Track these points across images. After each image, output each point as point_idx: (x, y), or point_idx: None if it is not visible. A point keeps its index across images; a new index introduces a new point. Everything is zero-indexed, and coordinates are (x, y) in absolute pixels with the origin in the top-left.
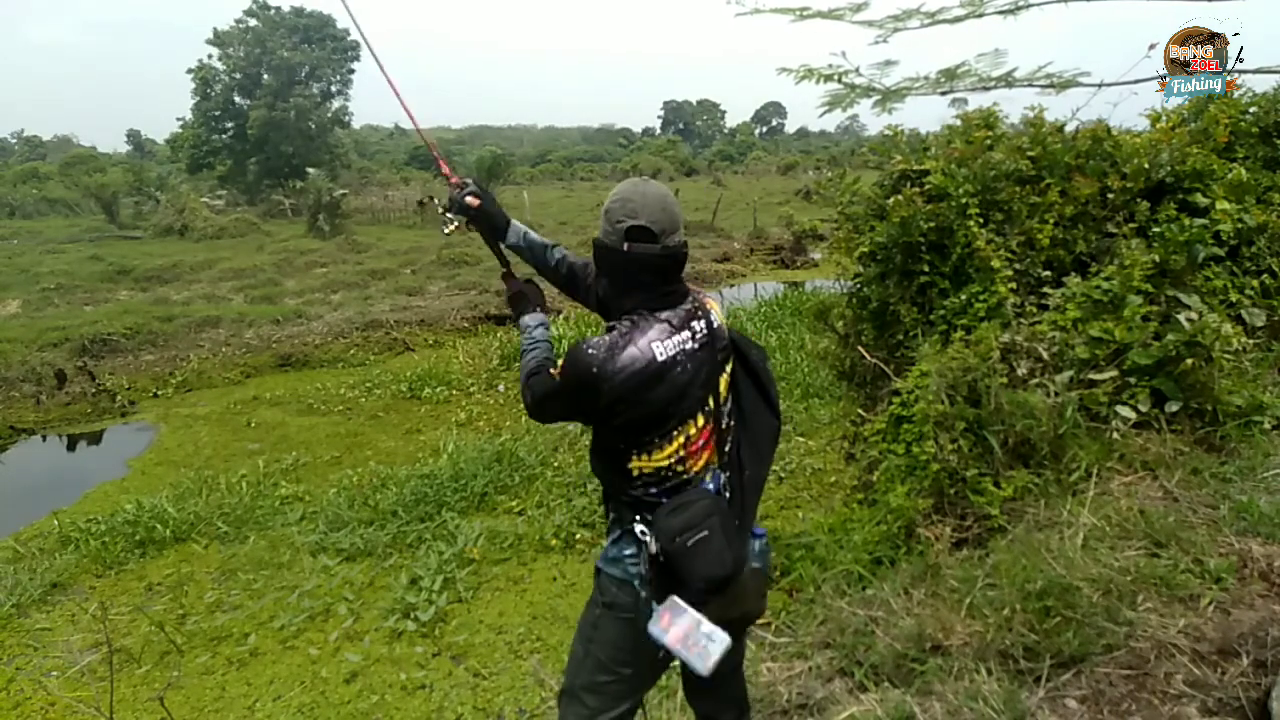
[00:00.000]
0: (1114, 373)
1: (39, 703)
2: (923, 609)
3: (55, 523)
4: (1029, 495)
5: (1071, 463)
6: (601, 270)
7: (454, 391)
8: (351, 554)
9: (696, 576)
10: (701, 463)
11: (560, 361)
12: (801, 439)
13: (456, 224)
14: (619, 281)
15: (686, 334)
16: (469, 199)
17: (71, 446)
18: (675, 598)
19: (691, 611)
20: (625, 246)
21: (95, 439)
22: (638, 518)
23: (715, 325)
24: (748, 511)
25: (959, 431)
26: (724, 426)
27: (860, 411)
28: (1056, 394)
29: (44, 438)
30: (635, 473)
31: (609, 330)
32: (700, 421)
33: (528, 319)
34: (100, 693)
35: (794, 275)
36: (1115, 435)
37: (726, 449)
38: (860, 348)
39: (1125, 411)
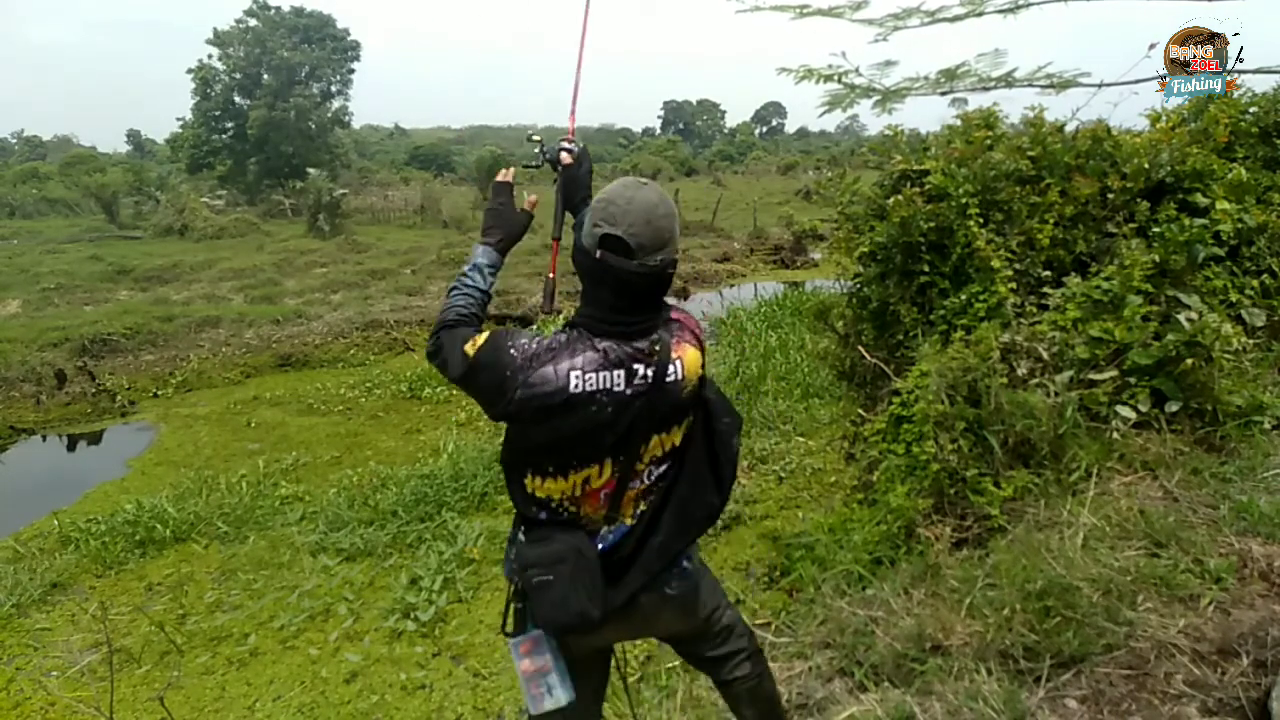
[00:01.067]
0: (1114, 373)
1: (39, 703)
2: (923, 609)
3: (55, 523)
4: (1029, 495)
5: (1071, 463)
6: (574, 265)
7: (454, 391)
8: (351, 554)
9: (537, 614)
10: (599, 513)
11: (480, 339)
12: (801, 439)
13: (538, 164)
14: (584, 284)
15: (620, 374)
16: (564, 154)
17: (71, 446)
18: (543, 636)
19: (549, 656)
20: (597, 254)
21: (95, 439)
22: (521, 531)
23: (670, 379)
24: (640, 572)
25: (959, 431)
26: (641, 485)
27: (860, 411)
28: (1056, 394)
29: (44, 438)
30: (528, 488)
31: (544, 337)
32: (605, 471)
33: (481, 252)
34: (100, 693)
35: (794, 275)
36: (1115, 435)
37: (641, 508)
38: (860, 348)
39: (1125, 411)
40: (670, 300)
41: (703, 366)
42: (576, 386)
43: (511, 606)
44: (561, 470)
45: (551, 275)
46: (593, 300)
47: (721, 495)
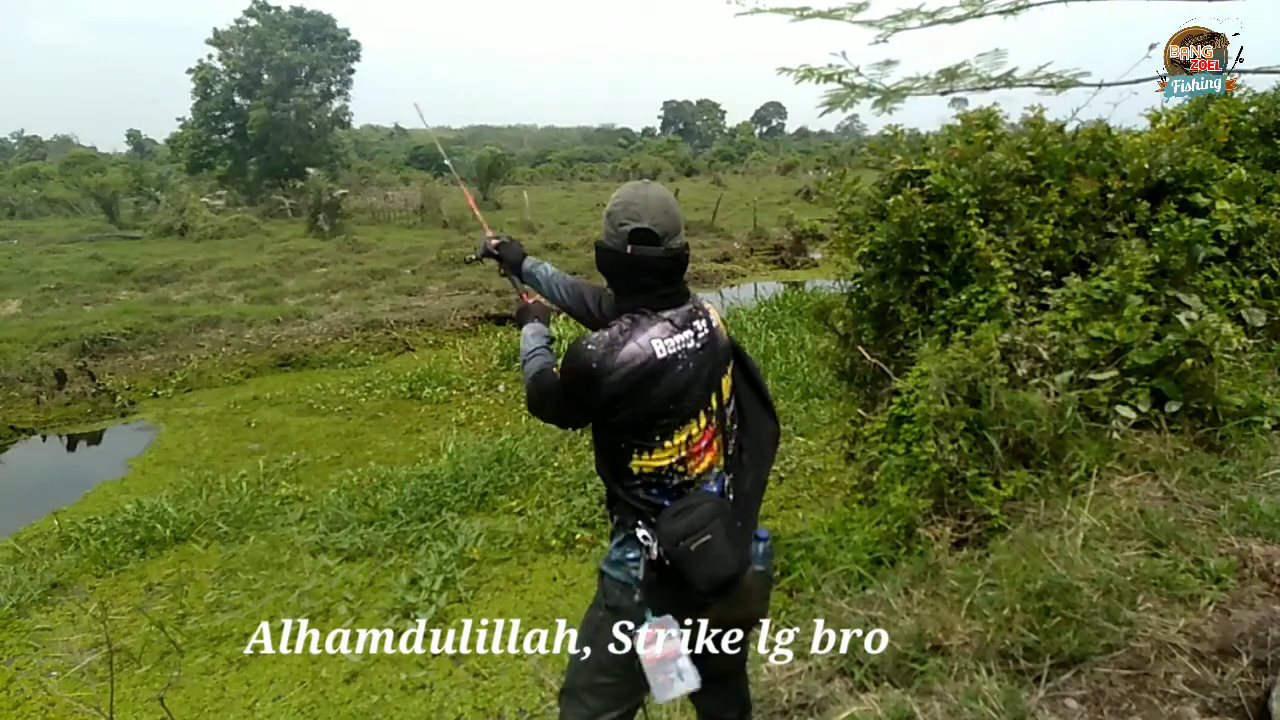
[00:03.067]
0: (1114, 373)
1: (39, 703)
2: (923, 609)
3: (55, 523)
4: (1029, 495)
5: (1071, 463)
6: (605, 272)
7: (454, 391)
8: (351, 554)
9: (700, 579)
10: (705, 464)
11: (561, 360)
12: (801, 439)
13: (477, 258)
14: (622, 284)
15: (689, 333)
16: (493, 243)
17: (71, 446)
18: (671, 619)
19: (679, 640)
20: (629, 249)
21: (95, 439)
22: (640, 522)
23: (715, 327)
24: (751, 513)
25: (959, 431)
26: (727, 428)
27: (860, 411)
28: (1056, 394)
29: (44, 438)
30: (636, 472)
31: (609, 327)
32: (703, 421)
33: (528, 329)
34: (100, 693)
35: (794, 275)
36: (1115, 435)
37: (730, 451)
38: (860, 348)
39: (1125, 411)
40: None
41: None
42: (662, 351)
43: (635, 597)
44: (666, 435)
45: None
46: (635, 291)
47: (774, 418)
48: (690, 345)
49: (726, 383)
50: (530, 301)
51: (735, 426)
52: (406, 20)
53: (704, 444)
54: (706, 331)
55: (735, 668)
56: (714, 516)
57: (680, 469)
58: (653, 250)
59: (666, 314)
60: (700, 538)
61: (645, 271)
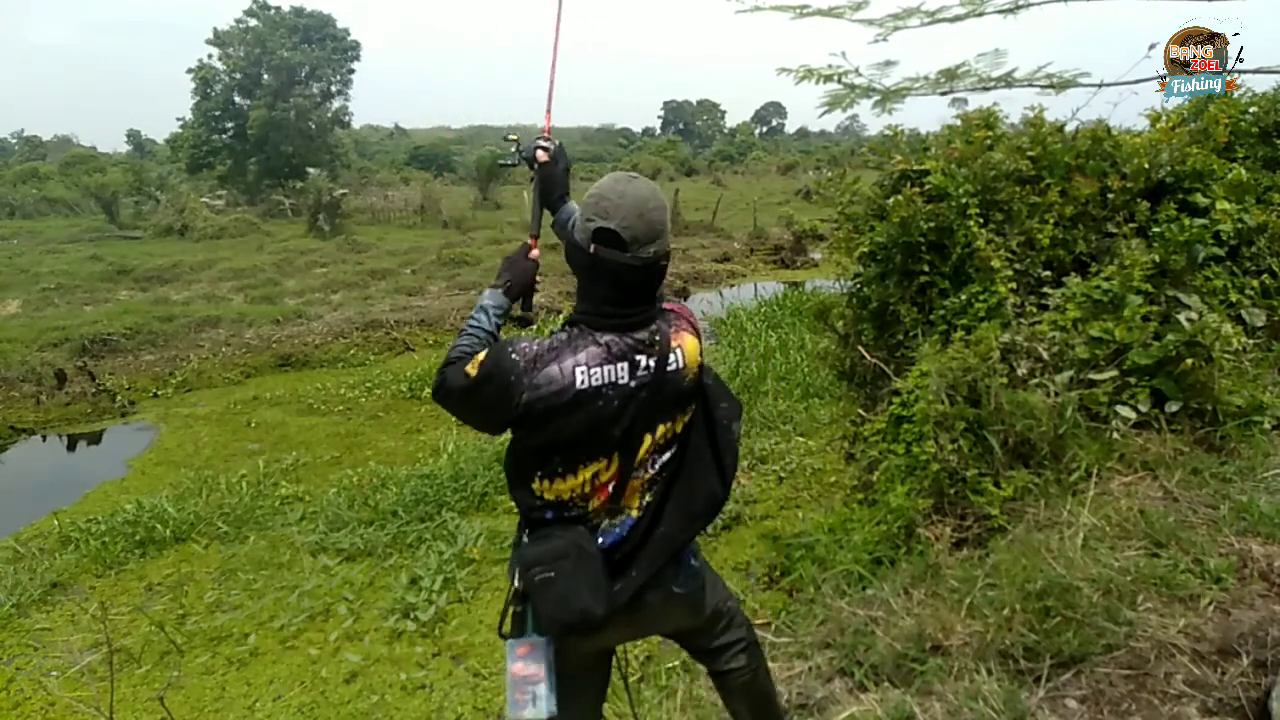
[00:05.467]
0: (1114, 373)
1: (39, 703)
2: (923, 609)
3: (55, 523)
4: (1029, 495)
5: (1071, 463)
6: (570, 266)
7: None
8: (351, 554)
9: (542, 614)
10: (605, 506)
11: (480, 356)
12: (801, 439)
13: (514, 163)
14: (580, 281)
15: (624, 366)
16: (539, 151)
17: (71, 446)
18: (544, 641)
19: (543, 665)
20: (591, 249)
21: (95, 439)
22: (525, 535)
23: (672, 368)
24: (644, 566)
25: (959, 431)
26: (646, 475)
27: (860, 411)
28: (1056, 394)
29: (44, 438)
30: (537, 492)
31: (542, 340)
32: (614, 464)
33: (488, 295)
34: (100, 693)
35: (794, 275)
36: (1115, 435)
37: (646, 499)
38: (860, 348)
39: (1125, 411)
40: (670, 299)
41: (701, 354)
42: (583, 383)
43: (510, 609)
44: (570, 468)
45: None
46: (590, 296)
47: (724, 483)
48: (621, 380)
49: (668, 428)
50: (524, 257)
51: (664, 475)
52: (406, 20)
53: (611, 487)
54: (650, 370)
55: (721, 632)
56: (562, 556)
57: (581, 503)
58: (617, 255)
59: (606, 337)
60: (543, 572)
61: (605, 278)
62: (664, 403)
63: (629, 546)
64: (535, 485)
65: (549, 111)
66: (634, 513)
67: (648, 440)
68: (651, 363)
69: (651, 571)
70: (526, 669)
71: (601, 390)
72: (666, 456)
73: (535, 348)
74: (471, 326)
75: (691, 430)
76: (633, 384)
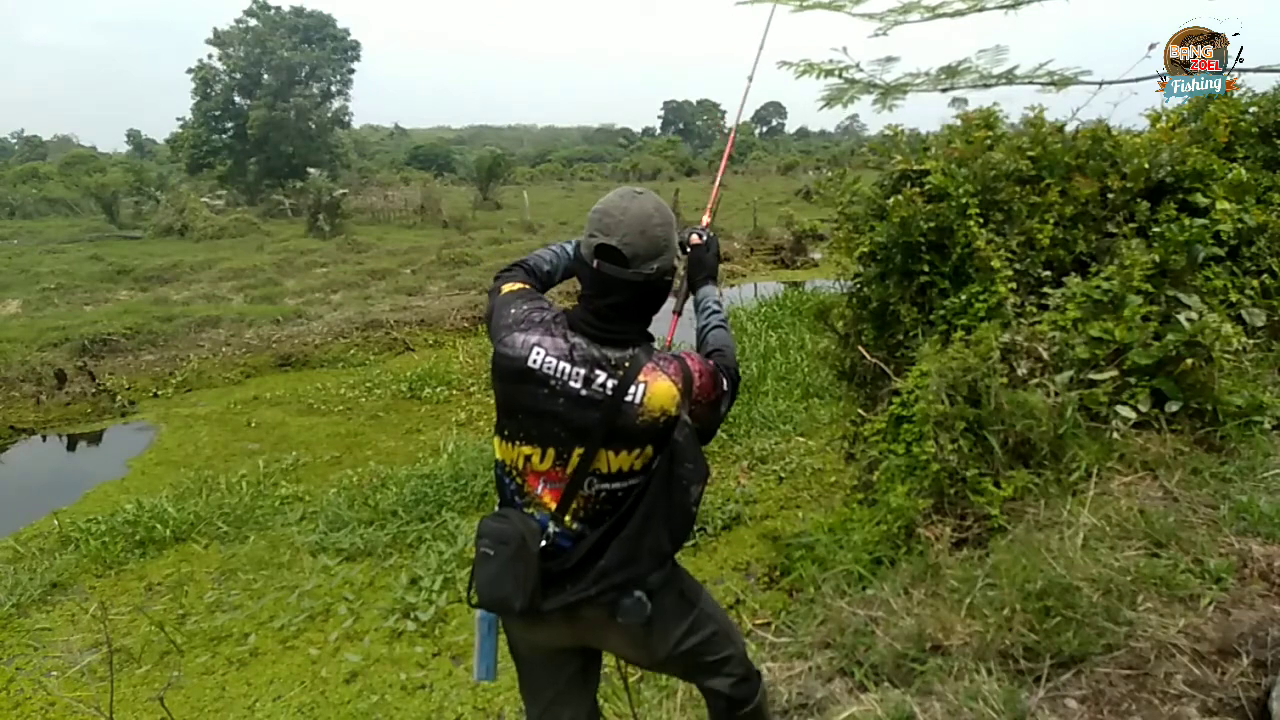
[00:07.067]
0: (1114, 373)
1: (39, 703)
2: (923, 609)
3: (55, 523)
4: (1029, 495)
5: (1071, 463)
6: (577, 278)
7: (454, 391)
8: (351, 554)
9: (473, 584)
10: (540, 499)
11: (515, 285)
12: (801, 439)
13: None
14: (581, 285)
15: (580, 372)
16: (694, 237)
17: (71, 446)
18: (491, 617)
19: (479, 634)
20: (594, 263)
21: (95, 439)
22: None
23: (629, 399)
24: (579, 588)
25: (959, 431)
26: (582, 494)
27: (860, 411)
28: (1056, 394)
29: (44, 438)
30: (495, 447)
31: (544, 307)
32: (546, 460)
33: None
34: (100, 693)
35: (794, 275)
36: (1115, 435)
37: (578, 523)
38: (860, 348)
39: (1125, 411)
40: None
41: (678, 408)
42: (534, 362)
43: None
44: (513, 436)
45: (668, 345)
46: (582, 298)
47: (673, 541)
48: (571, 385)
49: (614, 460)
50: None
51: (605, 508)
52: (406, 20)
53: (545, 482)
54: (605, 390)
55: (705, 676)
56: (503, 541)
57: (517, 478)
58: (619, 271)
59: (576, 338)
60: (486, 548)
61: (600, 291)
62: (613, 431)
63: (565, 565)
64: (496, 440)
65: (711, 209)
66: (571, 526)
67: (590, 460)
68: (610, 384)
69: (584, 595)
70: (475, 635)
71: (549, 380)
72: (614, 487)
73: (522, 313)
74: (554, 248)
75: (650, 479)
76: (584, 393)
